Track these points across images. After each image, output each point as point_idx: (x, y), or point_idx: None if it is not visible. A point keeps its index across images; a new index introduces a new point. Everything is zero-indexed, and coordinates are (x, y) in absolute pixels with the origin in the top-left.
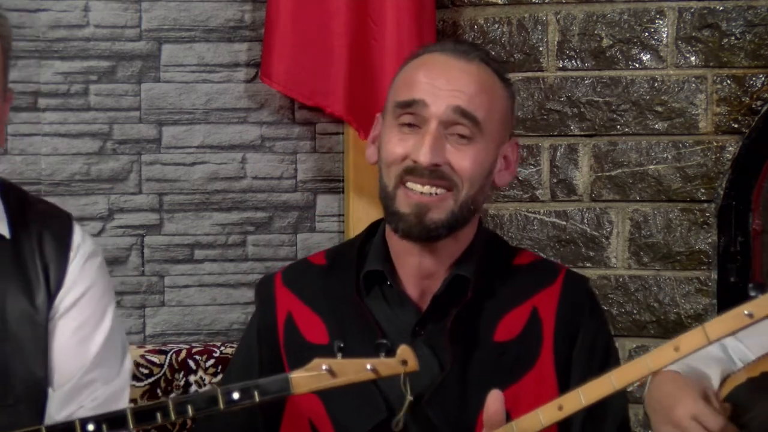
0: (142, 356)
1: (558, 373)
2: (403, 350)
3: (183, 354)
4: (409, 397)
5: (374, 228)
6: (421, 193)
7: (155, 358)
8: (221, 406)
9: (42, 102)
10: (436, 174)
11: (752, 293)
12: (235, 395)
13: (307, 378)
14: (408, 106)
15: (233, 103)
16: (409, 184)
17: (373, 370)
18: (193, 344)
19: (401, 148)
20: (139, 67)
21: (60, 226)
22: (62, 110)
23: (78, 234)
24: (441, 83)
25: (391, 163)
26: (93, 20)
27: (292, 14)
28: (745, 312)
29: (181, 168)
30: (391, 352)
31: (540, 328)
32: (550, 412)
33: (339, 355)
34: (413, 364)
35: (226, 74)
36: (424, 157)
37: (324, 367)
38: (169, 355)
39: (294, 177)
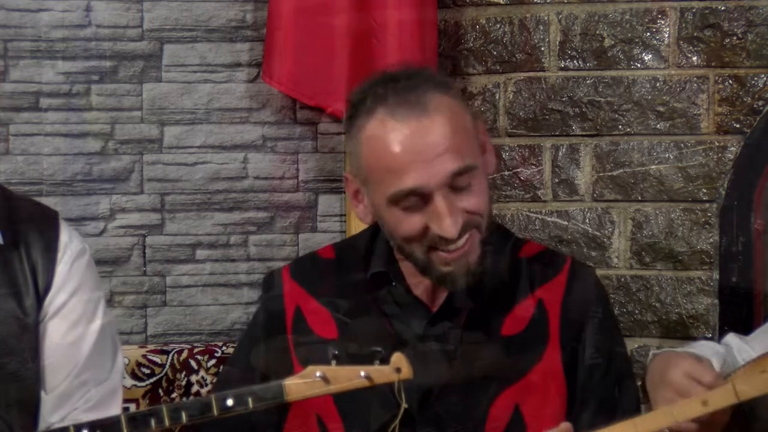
0: (144, 356)
1: (565, 366)
2: (397, 358)
3: (185, 354)
4: (404, 405)
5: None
6: (456, 249)
7: (157, 358)
8: (215, 412)
9: (44, 102)
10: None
11: None
12: (229, 402)
13: (301, 385)
14: (406, 197)
15: (235, 103)
16: (442, 248)
17: (367, 377)
18: (195, 344)
19: (417, 224)
20: (141, 67)
21: (46, 226)
22: (64, 110)
23: (65, 233)
24: (423, 158)
25: (411, 240)
26: (95, 20)
27: (293, 14)
28: None
29: (183, 168)
30: (385, 360)
31: (546, 320)
32: None
33: (333, 362)
34: (407, 371)
35: (227, 74)
36: (449, 233)
37: (317, 374)
38: (170, 355)
39: (296, 177)
